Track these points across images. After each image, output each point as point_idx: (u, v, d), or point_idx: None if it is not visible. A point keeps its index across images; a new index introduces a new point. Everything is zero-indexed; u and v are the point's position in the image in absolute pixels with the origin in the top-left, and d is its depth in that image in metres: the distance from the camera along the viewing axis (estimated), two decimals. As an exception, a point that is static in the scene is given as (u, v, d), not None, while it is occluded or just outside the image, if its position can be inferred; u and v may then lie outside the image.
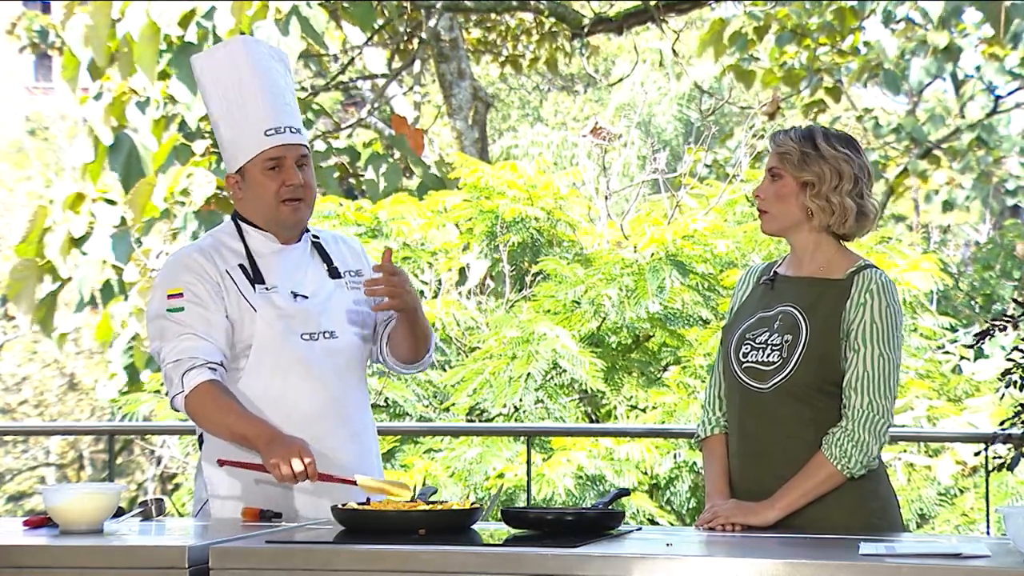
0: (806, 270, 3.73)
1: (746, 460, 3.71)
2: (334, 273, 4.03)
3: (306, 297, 3.95)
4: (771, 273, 3.81)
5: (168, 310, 3.85)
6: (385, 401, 8.21)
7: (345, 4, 12.87)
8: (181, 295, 3.86)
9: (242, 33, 10.82)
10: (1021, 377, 4.74)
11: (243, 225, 3.99)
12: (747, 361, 3.69)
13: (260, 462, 3.74)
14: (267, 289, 3.91)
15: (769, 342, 3.67)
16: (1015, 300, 5.03)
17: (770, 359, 3.65)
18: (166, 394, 3.92)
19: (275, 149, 3.91)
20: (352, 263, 4.08)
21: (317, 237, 4.07)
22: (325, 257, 4.04)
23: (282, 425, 3.83)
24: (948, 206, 18.33)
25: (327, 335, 3.93)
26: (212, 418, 3.81)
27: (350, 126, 16.81)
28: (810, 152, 3.67)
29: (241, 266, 3.93)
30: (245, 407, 3.81)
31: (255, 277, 3.92)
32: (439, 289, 9.15)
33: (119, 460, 18.20)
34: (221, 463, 3.82)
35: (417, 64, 16.71)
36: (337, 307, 3.99)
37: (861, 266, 3.68)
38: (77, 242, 11.40)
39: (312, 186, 4.00)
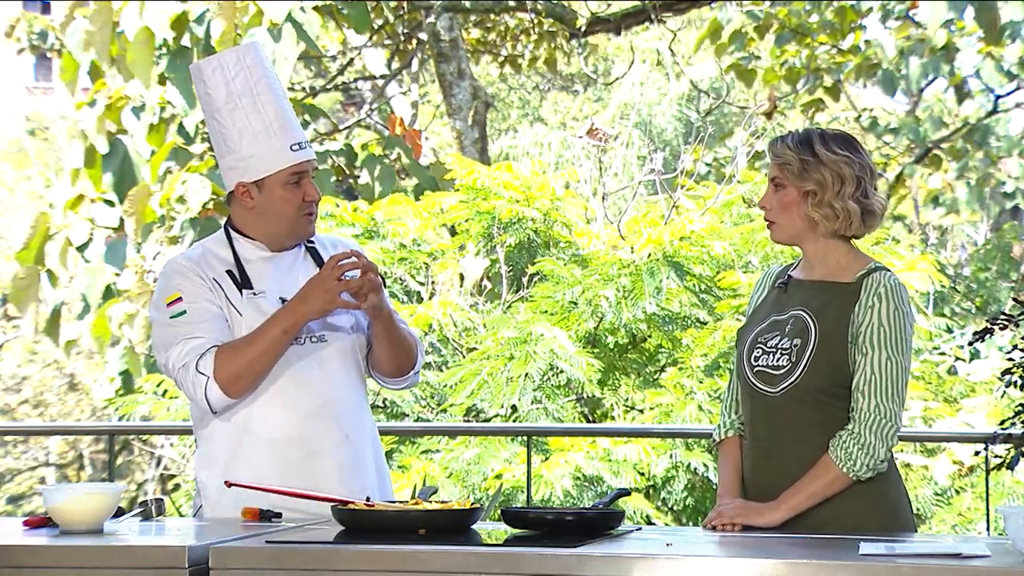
0: (817, 274, 3.71)
1: (758, 463, 3.70)
2: None
3: None
4: (785, 276, 3.80)
5: (171, 317, 3.84)
6: (383, 402, 8.22)
7: (340, 7, 12.85)
8: (180, 299, 3.85)
9: (237, 36, 10.82)
10: (1021, 377, 4.74)
11: (233, 233, 3.98)
12: (758, 365, 3.68)
13: (267, 486, 3.76)
14: (254, 294, 3.90)
15: (779, 346, 3.65)
16: (1015, 299, 5.03)
17: (779, 363, 3.64)
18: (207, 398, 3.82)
19: (300, 164, 3.91)
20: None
21: (312, 241, 4.05)
22: (319, 261, 4.00)
23: (271, 429, 3.84)
24: (947, 206, 18.31)
25: (315, 339, 3.91)
26: (247, 359, 3.77)
27: (348, 127, 16.81)
28: (809, 160, 3.64)
29: (229, 272, 3.91)
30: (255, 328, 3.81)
31: (243, 282, 3.90)
32: (435, 290, 9.15)
33: (119, 460, 18.21)
34: (228, 484, 3.81)
35: (415, 63, 16.69)
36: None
37: (871, 269, 3.65)
38: (79, 248, 11.40)
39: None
